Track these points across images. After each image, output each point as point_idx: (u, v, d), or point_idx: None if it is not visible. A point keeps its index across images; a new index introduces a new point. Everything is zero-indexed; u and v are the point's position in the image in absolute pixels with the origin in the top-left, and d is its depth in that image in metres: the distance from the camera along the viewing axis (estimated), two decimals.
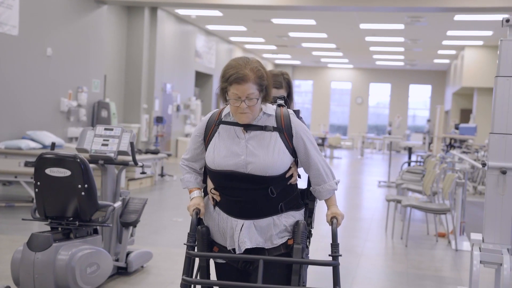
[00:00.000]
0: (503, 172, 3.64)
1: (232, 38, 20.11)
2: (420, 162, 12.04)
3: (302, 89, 29.25)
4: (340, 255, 2.49)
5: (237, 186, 2.48)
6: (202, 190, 2.66)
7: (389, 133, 23.57)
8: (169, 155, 11.74)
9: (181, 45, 16.33)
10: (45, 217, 4.06)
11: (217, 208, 2.56)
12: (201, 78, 19.08)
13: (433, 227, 7.15)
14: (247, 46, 22.18)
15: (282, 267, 2.53)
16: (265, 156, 2.45)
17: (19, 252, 3.82)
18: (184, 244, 2.50)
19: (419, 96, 28.20)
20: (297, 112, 2.69)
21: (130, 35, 14.28)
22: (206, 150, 2.56)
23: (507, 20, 3.72)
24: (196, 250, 2.51)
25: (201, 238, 2.54)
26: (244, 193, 2.47)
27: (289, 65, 27.54)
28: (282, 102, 2.63)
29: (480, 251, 3.64)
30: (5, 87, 9.55)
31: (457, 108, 22.63)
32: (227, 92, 2.44)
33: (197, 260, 2.61)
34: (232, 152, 2.48)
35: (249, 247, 2.48)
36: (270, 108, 2.55)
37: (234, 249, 2.52)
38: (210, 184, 2.60)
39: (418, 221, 7.89)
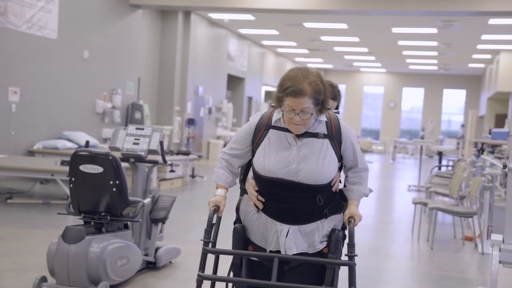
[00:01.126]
0: None
1: (264, 42, 20.27)
2: (450, 166, 11.96)
3: None
4: (356, 255, 2.48)
5: (285, 193, 2.48)
6: (228, 190, 2.66)
7: (422, 138, 23.36)
8: (200, 156, 11.95)
9: (213, 49, 16.56)
10: (78, 212, 4.26)
11: (260, 212, 2.56)
12: (233, 81, 19.29)
13: (460, 231, 7.14)
14: (279, 50, 22.32)
15: (314, 271, 2.54)
16: (316, 165, 2.45)
17: (54, 244, 4.03)
18: (201, 240, 2.54)
19: (453, 101, 27.87)
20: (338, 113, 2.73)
21: (164, 38, 14.57)
22: (253, 152, 2.56)
23: None
24: (231, 247, 2.57)
25: (237, 236, 2.59)
26: (292, 201, 2.48)
27: (321, 69, 27.56)
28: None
29: (500, 252, 3.69)
30: (44, 89, 9.90)
31: (492, 113, 22.31)
32: (283, 101, 2.42)
33: (230, 257, 2.64)
34: (283, 160, 2.46)
35: (295, 252, 2.49)
36: (322, 114, 2.53)
37: (277, 251, 2.52)
38: (252, 190, 2.59)
39: (445, 224, 7.88)
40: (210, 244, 2.54)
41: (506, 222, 3.74)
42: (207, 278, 2.49)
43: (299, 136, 2.48)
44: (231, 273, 2.65)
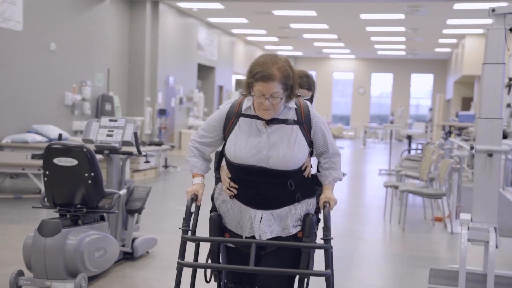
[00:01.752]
0: (490, 155, 3.82)
1: (234, 30, 20.24)
2: (419, 149, 12.20)
3: None
4: (332, 238, 2.53)
5: (257, 179, 2.52)
6: (204, 176, 2.71)
7: (391, 122, 23.70)
8: (172, 146, 11.94)
9: (183, 38, 16.48)
10: (54, 205, 4.25)
11: (233, 198, 2.61)
12: (204, 71, 19.23)
13: (430, 212, 7.33)
14: (249, 38, 22.31)
15: (290, 255, 2.59)
16: (287, 151, 2.49)
17: (30, 238, 4.02)
18: (180, 228, 2.56)
19: (421, 85, 28.29)
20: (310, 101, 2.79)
21: (132, 29, 14.45)
22: (225, 140, 2.60)
23: (493, 10, 3.88)
24: (208, 235, 2.61)
25: (213, 224, 2.62)
26: (264, 186, 2.53)
27: (291, 56, 27.65)
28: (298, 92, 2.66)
29: (468, 230, 3.83)
30: (11, 82, 9.74)
31: (459, 97, 22.74)
32: (252, 87, 2.47)
33: (208, 244, 2.67)
34: (254, 147, 2.51)
35: (269, 237, 2.54)
36: (291, 101, 2.57)
37: (253, 237, 2.57)
38: (225, 175, 2.63)
39: (416, 206, 8.07)
40: (189, 232, 2.57)
41: (474, 202, 3.88)
42: (186, 265, 2.52)
43: (268, 123, 2.52)
44: (209, 260, 2.68)
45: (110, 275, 4.44)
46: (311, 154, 2.64)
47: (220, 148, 2.72)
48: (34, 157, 7.45)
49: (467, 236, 3.81)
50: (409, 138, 13.53)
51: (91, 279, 4.26)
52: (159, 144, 10.68)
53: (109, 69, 13.08)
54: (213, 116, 2.65)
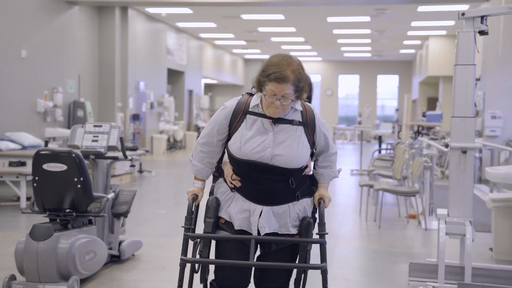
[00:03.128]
0: (464, 152, 4.04)
1: (202, 35, 20.32)
2: (390, 149, 12.51)
3: None
4: (327, 233, 2.63)
5: (259, 175, 2.59)
6: (205, 182, 2.77)
7: (359, 123, 24.10)
8: (147, 151, 11.95)
9: (152, 43, 16.50)
10: (43, 210, 4.30)
11: (235, 191, 2.68)
12: (173, 75, 19.26)
13: (404, 210, 7.58)
14: (217, 42, 22.42)
15: (288, 254, 2.69)
16: (291, 150, 2.56)
17: (22, 243, 4.07)
18: (182, 226, 2.66)
19: (387, 86, 28.84)
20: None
21: (102, 34, 14.41)
22: (229, 136, 2.65)
23: (463, 14, 4.11)
24: (205, 217, 2.66)
25: (213, 208, 2.66)
26: (266, 182, 2.59)
27: (258, 59, 27.86)
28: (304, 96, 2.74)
29: (446, 224, 4.04)
30: None
31: (424, 97, 23.29)
32: (264, 86, 2.52)
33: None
34: (259, 144, 2.56)
35: (267, 231, 2.60)
36: (298, 103, 2.65)
37: (242, 231, 2.63)
38: (228, 169, 2.68)
39: (390, 204, 8.32)
40: (190, 230, 2.66)
41: (450, 197, 4.09)
42: (189, 261, 2.61)
43: (275, 122, 2.59)
44: (201, 249, 2.71)
45: (100, 278, 4.52)
46: (311, 155, 2.73)
47: None
48: (11, 164, 7.42)
49: (445, 230, 4.02)
50: (379, 138, 13.84)
51: (82, 281, 4.32)
52: (133, 149, 10.62)
53: (79, 75, 13.03)
54: (220, 113, 2.68)
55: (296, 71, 2.52)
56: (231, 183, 2.67)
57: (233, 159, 2.65)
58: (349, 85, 29.19)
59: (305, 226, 2.65)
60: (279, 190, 2.62)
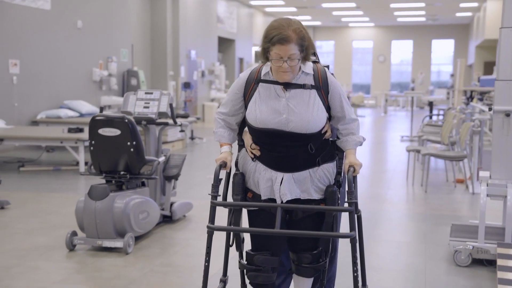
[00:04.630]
0: (507, 115, 4.04)
1: (252, 2, 20.32)
2: (441, 115, 12.33)
3: (324, 49, 29.37)
4: (356, 201, 2.57)
5: (278, 142, 2.59)
6: (232, 145, 2.77)
7: (412, 90, 23.69)
8: (198, 118, 12.25)
9: (203, 12, 16.67)
10: (100, 172, 4.59)
11: (256, 160, 2.69)
12: (224, 44, 19.43)
13: (452, 175, 7.56)
14: (268, 9, 22.38)
15: (315, 219, 2.69)
16: (305, 114, 2.55)
17: (81, 202, 4.38)
18: (208, 194, 2.67)
19: (442, 51, 28.10)
20: (327, 68, 2.85)
21: (154, 4, 14.68)
22: (245, 107, 2.67)
23: None
24: (232, 194, 2.72)
25: (237, 182, 2.70)
26: (285, 149, 2.59)
27: (310, 26, 27.62)
28: (315, 58, 2.72)
29: (487, 186, 4.07)
30: (42, 59, 10.10)
31: (481, 61, 22.60)
32: (269, 52, 2.51)
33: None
34: (274, 111, 2.57)
35: (289, 198, 2.61)
36: (308, 67, 2.62)
37: (270, 199, 2.65)
38: (248, 139, 2.71)
39: (438, 170, 8.31)
40: (218, 197, 2.69)
41: (492, 159, 4.12)
42: (216, 228, 2.63)
43: (287, 88, 2.60)
44: (232, 218, 2.77)
45: (153, 236, 4.80)
46: (329, 119, 2.70)
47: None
48: (70, 130, 7.82)
49: (486, 192, 4.06)
50: (431, 104, 13.64)
51: (136, 239, 4.62)
52: (185, 116, 10.96)
53: (132, 44, 13.38)
54: (234, 85, 2.73)
55: (297, 30, 2.52)
56: (252, 153, 2.69)
57: (250, 128, 2.68)
58: (402, 51, 28.60)
59: (329, 194, 2.65)
60: (298, 156, 2.62)
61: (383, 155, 10.69)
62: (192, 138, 11.82)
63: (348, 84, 27.86)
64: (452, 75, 25.38)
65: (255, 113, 2.61)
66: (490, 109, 4.15)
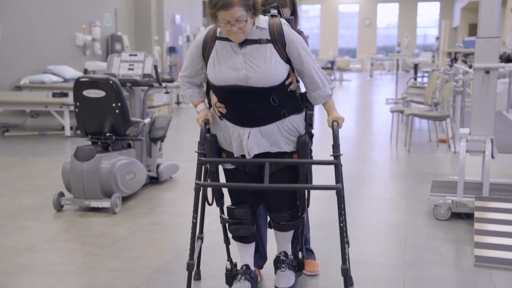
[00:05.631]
0: (487, 72, 4.10)
1: None
2: (425, 77, 12.41)
3: (310, 14, 29.16)
4: (341, 155, 2.62)
5: (240, 98, 2.60)
6: (206, 102, 2.80)
7: (398, 53, 23.67)
8: None
9: None
10: (85, 134, 4.62)
11: (223, 119, 2.71)
12: None
13: (434, 135, 7.67)
14: None
15: (289, 171, 2.75)
16: (263, 69, 2.55)
17: (67, 163, 4.42)
18: (195, 152, 2.73)
19: (428, 14, 28.02)
20: (299, 32, 2.83)
21: None
22: (206, 66, 2.67)
23: None
24: (207, 157, 2.71)
25: (209, 145, 2.73)
26: (247, 104, 2.60)
27: None
28: (275, 12, 2.69)
29: (467, 142, 4.17)
30: (25, 24, 9.97)
31: (466, 24, 22.63)
32: (217, 16, 2.50)
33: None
34: (232, 67, 2.57)
35: (257, 152, 2.66)
36: (263, 21, 2.60)
37: (242, 156, 2.70)
38: (213, 98, 2.72)
39: (421, 130, 8.42)
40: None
41: (472, 116, 4.20)
42: (204, 185, 2.68)
43: (242, 45, 2.58)
44: (208, 180, 2.80)
45: (140, 196, 4.87)
46: (294, 71, 2.69)
47: None
48: (54, 95, 7.79)
49: (465, 148, 4.15)
50: (416, 67, 13.71)
51: (124, 199, 4.69)
52: (170, 81, 10.91)
53: (116, 8, 13.21)
54: (192, 46, 2.71)
55: None
56: (218, 111, 2.71)
57: (212, 87, 2.69)
58: (388, 14, 28.49)
59: (301, 144, 2.69)
60: (262, 110, 2.62)
61: (368, 117, 10.77)
62: (178, 103, 11.81)
63: (334, 48, 27.78)
64: (437, 38, 25.38)
65: (214, 70, 2.61)
66: (470, 67, 4.21)
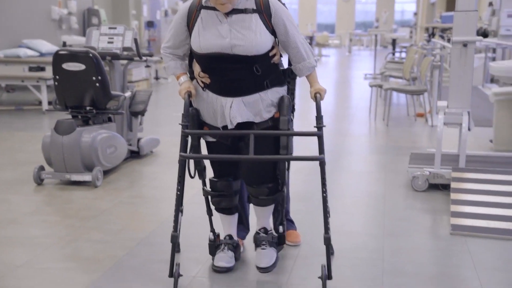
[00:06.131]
0: (465, 45, 4.17)
1: None
2: (404, 52, 12.49)
3: None
4: (324, 126, 2.64)
5: (224, 67, 2.60)
6: (188, 74, 2.79)
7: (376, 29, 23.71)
8: (162, 58, 12.11)
9: None
10: (65, 107, 4.59)
11: (206, 89, 2.71)
12: None
13: (412, 109, 7.77)
14: None
15: (271, 142, 2.74)
16: (248, 37, 2.56)
17: (47, 137, 4.40)
18: (179, 124, 2.70)
19: None
20: (282, 4, 2.83)
21: None
22: (190, 36, 2.66)
23: None
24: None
25: (191, 119, 2.73)
26: (231, 73, 2.61)
27: None
28: None
29: (444, 115, 4.24)
30: None
31: None
32: None
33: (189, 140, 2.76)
34: (217, 35, 2.58)
35: (240, 121, 2.66)
36: None
37: (225, 127, 2.71)
38: (196, 69, 2.71)
39: (400, 105, 8.52)
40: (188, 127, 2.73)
41: (450, 89, 4.28)
42: (188, 157, 2.68)
43: (228, 14, 2.59)
44: (192, 151, 2.80)
45: (121, 170, 4.87)
46: (278, 43, 2.70)
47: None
48: (31, 69, 7.69)
49: (443, 120, 4.23)
50: (394, 42, 13.78)
51: (105, 173, 4.69)
52: (149, 55, 10.85)
53: None
54: (177, 16, 2.71)
55: None
56: (201, 82, 2.71)
57: (196, 56, 2.68)
58: None
59: (284, 103, 2.70)
60: (245, 79, 2.64)
61: (347, 92, 10.84)
62: (156, 78, 11.74)
63: (313, 23, 27.70)
64: (415, 14, 25.48)
65: (198, 38, 2.61)
66: (449, 40, 4.26)
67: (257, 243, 2.95)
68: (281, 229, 2.95)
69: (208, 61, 2.63)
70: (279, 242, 2.96)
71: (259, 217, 3.01)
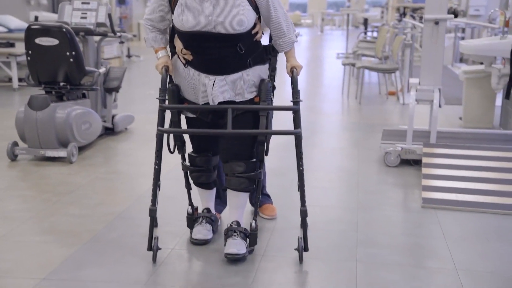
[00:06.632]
0: (436, 23, 4.25)
1: None
2: (375, 31, 12.60)
3: None
4: (301, 101, 2.78)
5: (206, 45, 2.59)
6: (167, 48, 2.79)
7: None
8: (134, 35, 11.99)
9: None
10: (38, 83, 4.54)
11: (188, 66, 2.70)
12: None
13: (384, 88, 7.89)
14: None
15: (249, 121, 2.74)
16: (231, 15, 2.55)
17: (21, 113, 4.35)
18: (156, 98, 2.70)
19: None
20: None
21: None
22: (172, 12, 2.66)
23: None
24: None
25: (172, 95, 2.74)
26: (214, 51, 2.60)
27: None
28: None
29: (416, 92, 4.34)
30: None
31: None
32: None
33: (168, 116, 2.78)
34: (200, 13, 2.56)
35: (221, 100, 2.66)
36: None
37: (206, 104, 2.72)
38: (179, 45, 2.70)
39: (372, 83, 8.62)
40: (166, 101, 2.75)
41: (422, 66, 4.36)
42: (165, 131, 2.69)
43: None
44: (172, 126, 2.79)
45: (96, 147, 4.86)
46: (260, 20, 2.72)
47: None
48: (0, 45, 7.55)
49: (414, 97, 4.32)
50: (366, 22, 13.87)
51: (80, 149, 4.68)
52: (123, 32, 10.74)
53: None
54: None
55: None
56: (184, 58, 2.70)
57: (178, 33, 2.67)
58: None
59: (264, 87, 2.71)
60: (228, 58, 2.64)
61: (319, 71, 10.91)
62: (129, 56, 11.62)
63: (285, 3, 27.62)
64: None
65: (181, 16, 2.60)
66: (421, 19, 4.34)
67: (228, 234, 2.83)
68: (254, 224, 2.80)
69: (191, 38, 2.62)
70: (251, 240, 2.82)
71: (232, 207, 2.90)
